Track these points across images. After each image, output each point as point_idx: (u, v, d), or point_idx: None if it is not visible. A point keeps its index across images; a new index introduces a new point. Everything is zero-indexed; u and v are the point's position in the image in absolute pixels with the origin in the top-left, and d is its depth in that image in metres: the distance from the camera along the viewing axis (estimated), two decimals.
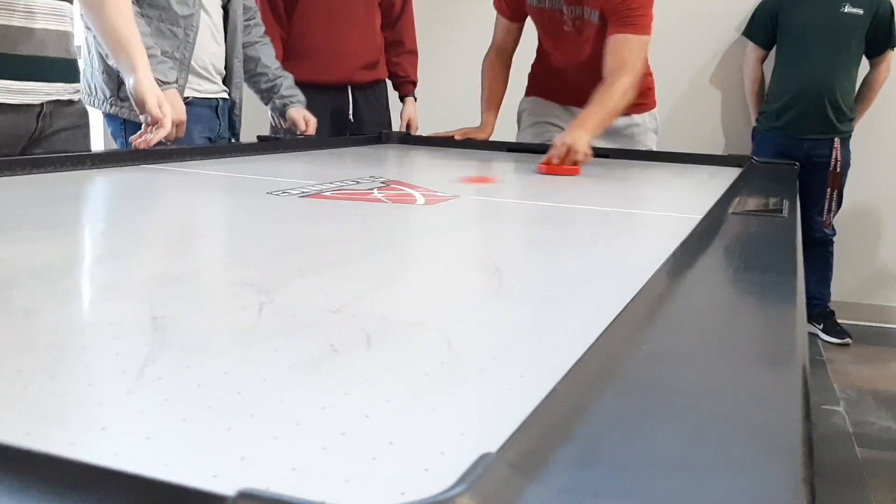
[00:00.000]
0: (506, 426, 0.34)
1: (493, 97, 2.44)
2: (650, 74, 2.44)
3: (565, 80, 2.39)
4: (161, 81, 1.75)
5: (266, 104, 2.41)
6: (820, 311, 3.33)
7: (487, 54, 2.47)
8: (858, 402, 2.67)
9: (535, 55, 2.51)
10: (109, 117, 1.99)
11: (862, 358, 3.12)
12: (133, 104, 1.58)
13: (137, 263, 0.80)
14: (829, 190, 3.19)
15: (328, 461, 0.35)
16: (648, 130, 2.46)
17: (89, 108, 1.74)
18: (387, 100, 2.89)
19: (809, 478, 0.32)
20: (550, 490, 0.28)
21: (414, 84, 2.90)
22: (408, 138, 2.49)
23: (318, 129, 2.37)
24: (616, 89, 2.10)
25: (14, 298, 0.60)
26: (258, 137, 2.21)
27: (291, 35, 2.61)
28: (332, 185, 1.32)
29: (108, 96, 1.94)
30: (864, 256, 3.52)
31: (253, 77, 2.36)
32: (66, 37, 1.47)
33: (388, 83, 2.90)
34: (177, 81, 1.91)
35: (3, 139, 1.41)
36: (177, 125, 1.66)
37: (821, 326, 3.32)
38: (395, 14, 2.82)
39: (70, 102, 1.54)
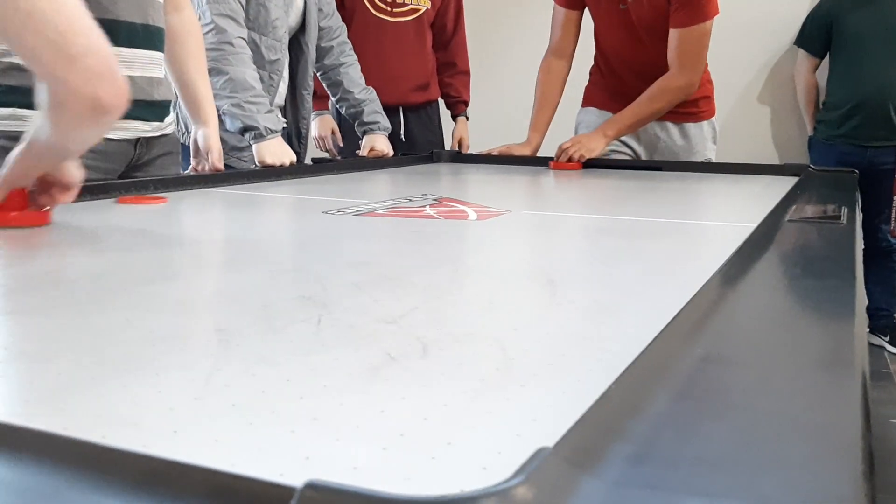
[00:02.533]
0: (562, 427, 0.34)
1: (542, 113, 2.42)
2: (710, 82, 2.41)
3: (621, 82, 2.37)
4: (270, 130, 1.88)
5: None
6: (886, 322, 3.24)
7: (544, 60, 2.44)
8: None
9: (592, 65, 2.50)
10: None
11: None
12: (201, 151, 1.74)
13: (201, 280, 0.83)
14: (895, 197, 3.11)
15: (389, 461, 0.36)
16: (706, 139, 2.42)
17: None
18: (439, 119, 2.92)
19: (869, 472, 0.32)
20: (606, 483, 0.29)
21: (466, 104, 2.92)
22: (459, 157, 2.51)
23: None
24: (659, 93, 2.21)
25: (87, 315, 0.63)
26: (312, 160, 2.26)
27: None
28: (385, 204, 1.34)
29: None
30: None
31: (339, 102, 2.42)
32: (158, 82, 1.60)
33: (441, 102, 2.93)
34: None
35: (105, 164, 1.53)
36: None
37: (887, 338, 3.22)
38: (447, 36, 2.85)
39: (163, 135, 1.67)
